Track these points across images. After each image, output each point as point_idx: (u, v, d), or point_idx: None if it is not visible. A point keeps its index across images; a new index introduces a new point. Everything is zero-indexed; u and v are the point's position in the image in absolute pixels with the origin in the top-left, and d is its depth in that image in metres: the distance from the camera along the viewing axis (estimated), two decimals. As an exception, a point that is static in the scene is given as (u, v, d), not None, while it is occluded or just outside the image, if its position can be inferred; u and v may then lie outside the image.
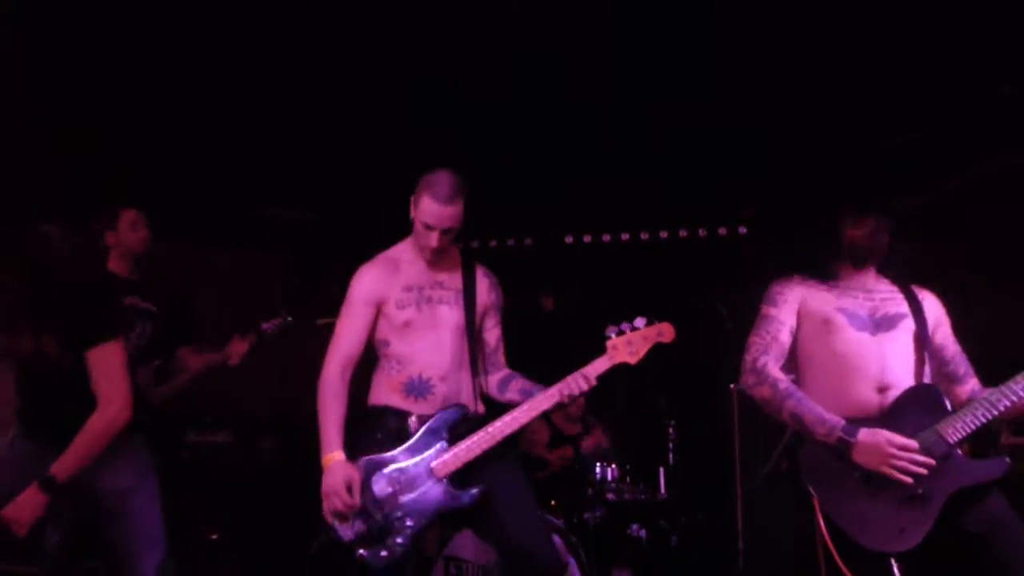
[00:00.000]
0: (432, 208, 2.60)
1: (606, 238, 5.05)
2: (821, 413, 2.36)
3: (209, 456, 4.53)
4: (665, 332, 2.68)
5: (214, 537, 4.33)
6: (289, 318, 3.76)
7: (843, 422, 2.33)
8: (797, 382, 2.53)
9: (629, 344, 2.65)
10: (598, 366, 2.64)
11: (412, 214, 2.70)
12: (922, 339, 2.49)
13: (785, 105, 3.59)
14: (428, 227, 2.63)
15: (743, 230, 4.90)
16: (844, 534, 2.24)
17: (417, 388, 2.66)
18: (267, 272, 5.26)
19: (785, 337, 2.55)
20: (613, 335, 2.65)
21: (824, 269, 2.59)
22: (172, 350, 3.59)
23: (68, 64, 3.31)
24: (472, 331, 2.73)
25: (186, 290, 3.74)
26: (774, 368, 2.49)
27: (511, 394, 2.77)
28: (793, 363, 2.58)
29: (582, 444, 4.74)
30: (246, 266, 5.40)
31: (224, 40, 3.18)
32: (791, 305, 2.56)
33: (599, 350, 2.67)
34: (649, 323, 2.67)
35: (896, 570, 2.22)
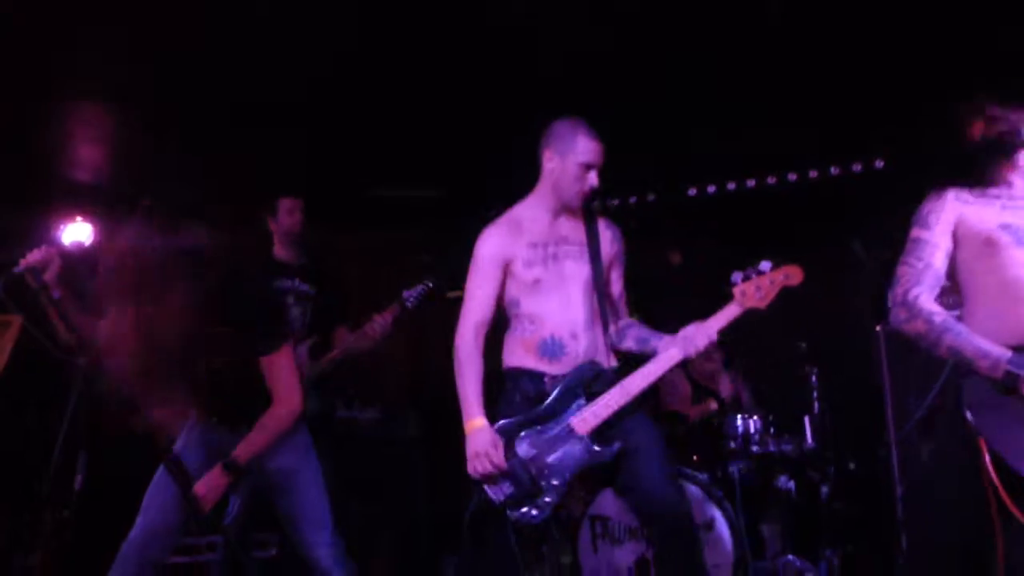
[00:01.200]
0: (592, 146, 2.67)
1: (731, 186, 4.89)
2: (983, 345, 2.14)
3: (357, 431, 4.76)
4: (792, 274, 2.60)
5: (370, 510, 4.56)
6: (430, 284, 3.81)
7: (1009, 353, 2.11)
8: (961, 310, 2.31)
9: (758, 289, 2.58)
10: (728, 313, 2.60)
11: (551, 164, 2.73)
12: None
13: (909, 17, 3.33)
14: (589, 166, 2.68)
15: (880, 163, 4.62)
16: (1015, 473, 2.05)
17: (551, 349, 2.68)
18: (397, 251, 5.43)
19: (940, 262, 2.28)
20: (739, 280, 2.59)
21: (980, 177, 2.31)
22: (327, 330, 3.82)
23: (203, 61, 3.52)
24: (600, 285, 2.73)
25: (342, 274, 3.99)
26: (928, 300, 2.25)
27: (628, 342, 2.75)
28: (956, 289, 2.33)
29: (721, 391, 4.67)
30: (377, 247, 5.59)
31: (351, 29, 3.28)
32: (945, 226, 2.29)
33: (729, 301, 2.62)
34: (775, 266, 2.59)
35: None
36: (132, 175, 4.46)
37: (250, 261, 3.70)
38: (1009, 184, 2.32)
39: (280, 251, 3.85)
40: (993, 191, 2.32)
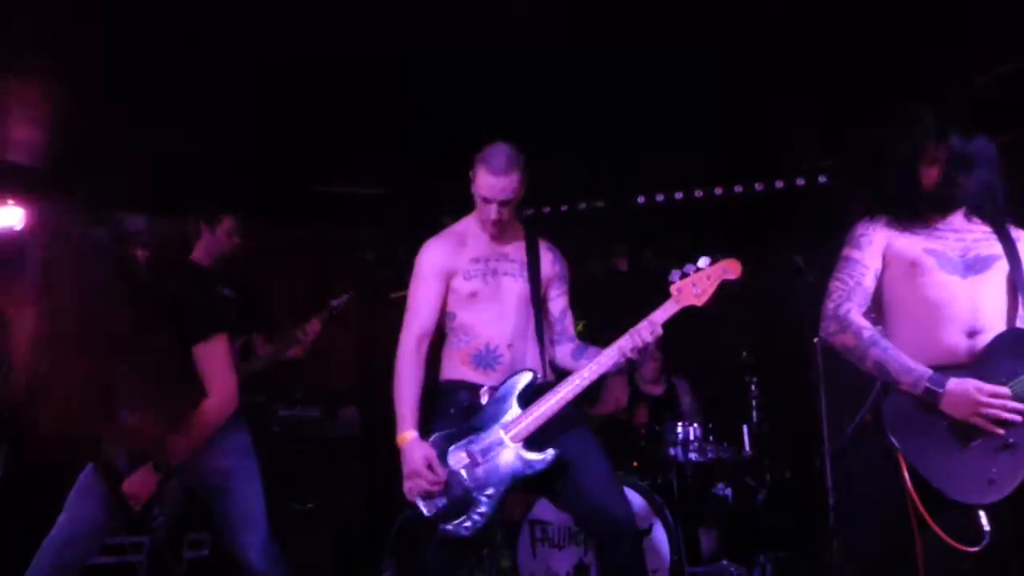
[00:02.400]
0: (488, 181, 2.64)
1: (679, 196, 4.94)
2: (907, 362, 2.24)
3: (299, 430, 4.69)
4: (731, 268, 2.62)
5: (308, 507, 4.49)
6: (353, 293, 4.05)
7: (930, 372, 2.21)
8: (881, 327, 2.41)
9: (694, 286, 2.60)
10: (664, 311, 2.60)
11: (472, 189, 2.72)
12: (1016, 282, 2.34)
13: (862, 45, 3.41)
14: (486, 200, 2.66)
15: (823, 179, 4.72)
16: (931, 487, 2.15)
17: (485, 359, 2.68)
18: (342, 248, 5.36)
19: (869, 282, 2.40)
20: (676, 279, 2.61)
21: (910, 209, 2.41)
22: (248, 333, 3.77)
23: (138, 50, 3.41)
24: (536, 301, 2.74)
25: (261, 280, 3.96)
26: (857, 315, 2.36)
27: (586, 362, 2.76)
28: (876, 308, 2.44)
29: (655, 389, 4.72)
30: (321, 243, 5.51)
31: (296, 20, 3.21)
32: (876, 247, 2.40)
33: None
34: (713, 261, 2.61)
35: (984, 522, 2.13)
36: (69, 158, 4.31)
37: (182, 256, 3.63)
38: (935, 217, 2.40)
39: (199, 254, 3.73)
40: (920, 220, 2.40)
